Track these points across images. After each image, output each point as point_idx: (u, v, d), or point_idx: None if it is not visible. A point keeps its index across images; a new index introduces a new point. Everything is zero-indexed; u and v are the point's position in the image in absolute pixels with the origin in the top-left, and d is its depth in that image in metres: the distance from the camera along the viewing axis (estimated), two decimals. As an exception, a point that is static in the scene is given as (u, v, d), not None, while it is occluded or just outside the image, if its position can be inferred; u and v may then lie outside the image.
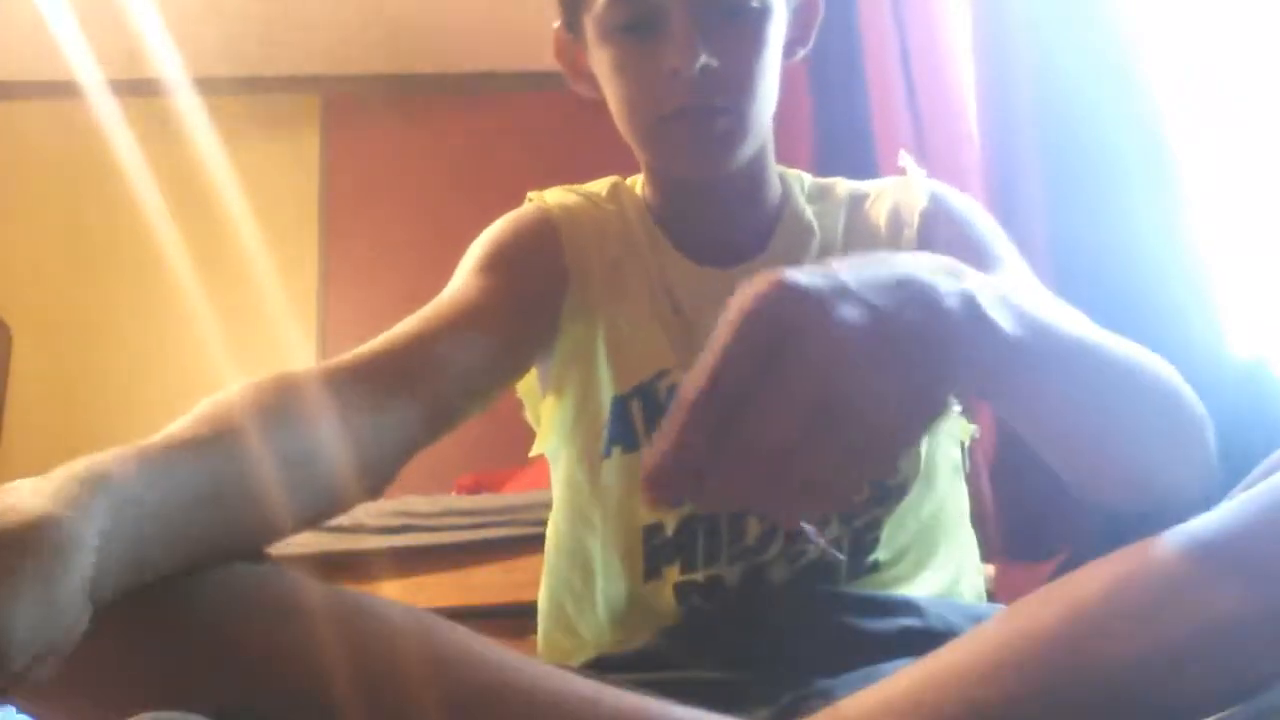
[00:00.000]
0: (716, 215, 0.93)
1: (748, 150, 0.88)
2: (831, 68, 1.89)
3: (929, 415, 0.47)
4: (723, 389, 0.43)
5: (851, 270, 0.47)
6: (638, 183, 1.00)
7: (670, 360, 0.88)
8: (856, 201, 0.97)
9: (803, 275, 0.45)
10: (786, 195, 0.97)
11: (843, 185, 0.99)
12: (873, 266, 0.48)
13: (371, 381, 0.73)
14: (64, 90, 2.64)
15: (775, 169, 0.97)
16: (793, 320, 0.44)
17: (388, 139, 3.10)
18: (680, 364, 0.88)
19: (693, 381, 0.44)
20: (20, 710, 0.54)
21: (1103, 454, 0.63)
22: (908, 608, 0.76)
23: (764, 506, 0.46)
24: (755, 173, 0.93)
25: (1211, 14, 1.31)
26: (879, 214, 0.94)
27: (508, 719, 0.52)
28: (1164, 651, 0.47)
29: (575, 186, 1.00)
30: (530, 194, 0.99)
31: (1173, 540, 0.50)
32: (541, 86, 2.81)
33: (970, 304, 0.49)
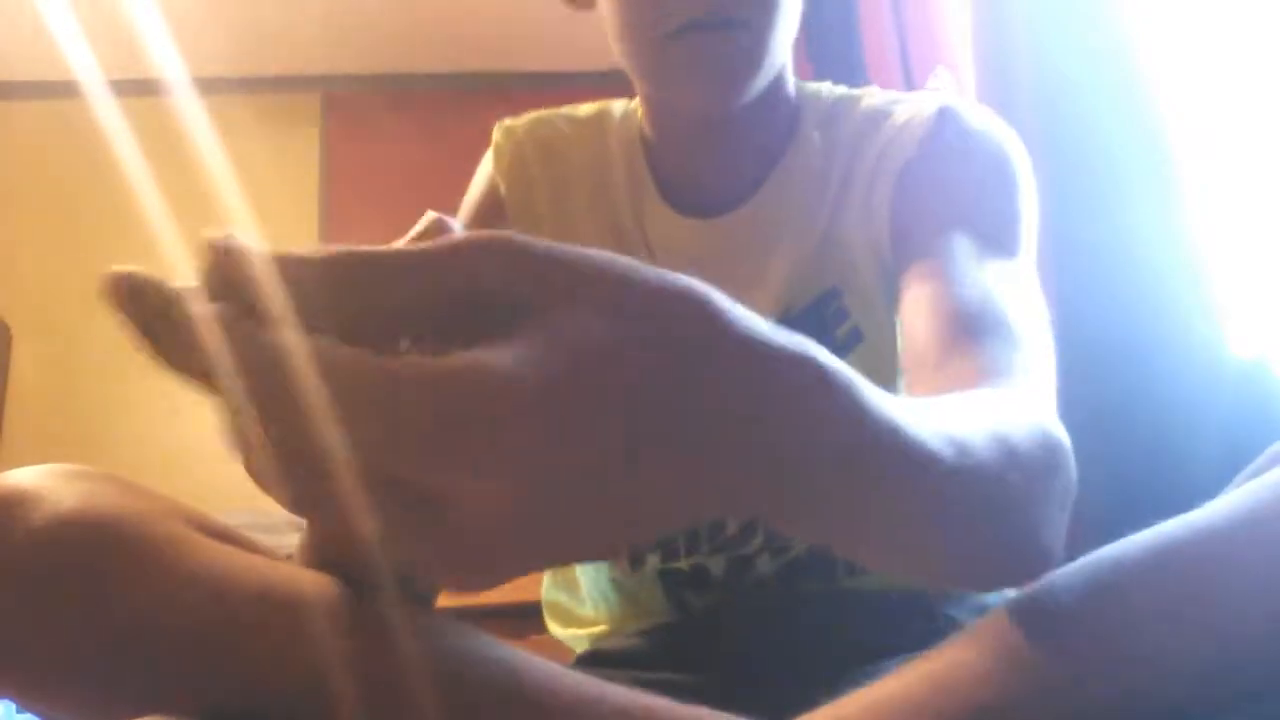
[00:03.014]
0: (715, 155, 0.83)
1: (763, 79, 0.77)
2: (831, 67, 1.89)
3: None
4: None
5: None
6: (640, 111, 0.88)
7: None
8: (871, 123, 0.83)
9: None
10: (795, 128, 0.85)
11: (867, 100, 0.86)
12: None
13: None
14: (64, 90, 2.65)
15: (789, 97, 0.85)
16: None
17: (388, 139, 3.09)
18: None
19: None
20: (20, 709, 0.54)
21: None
22: (910, 603, 0.76)
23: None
24: (765, 107, 0.81)
25: (1212, 14, 1.31)
26: (883, 143, 0.81)
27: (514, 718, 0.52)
28: (1173, 650, 0.47)
29: (556, 111, 0.91)
30: (499, 124, 0.90)
31: (1177, 532, 0.50)
32: (542, 87, 2.80)
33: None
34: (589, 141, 0.89)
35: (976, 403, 0.52)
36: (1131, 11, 1.25)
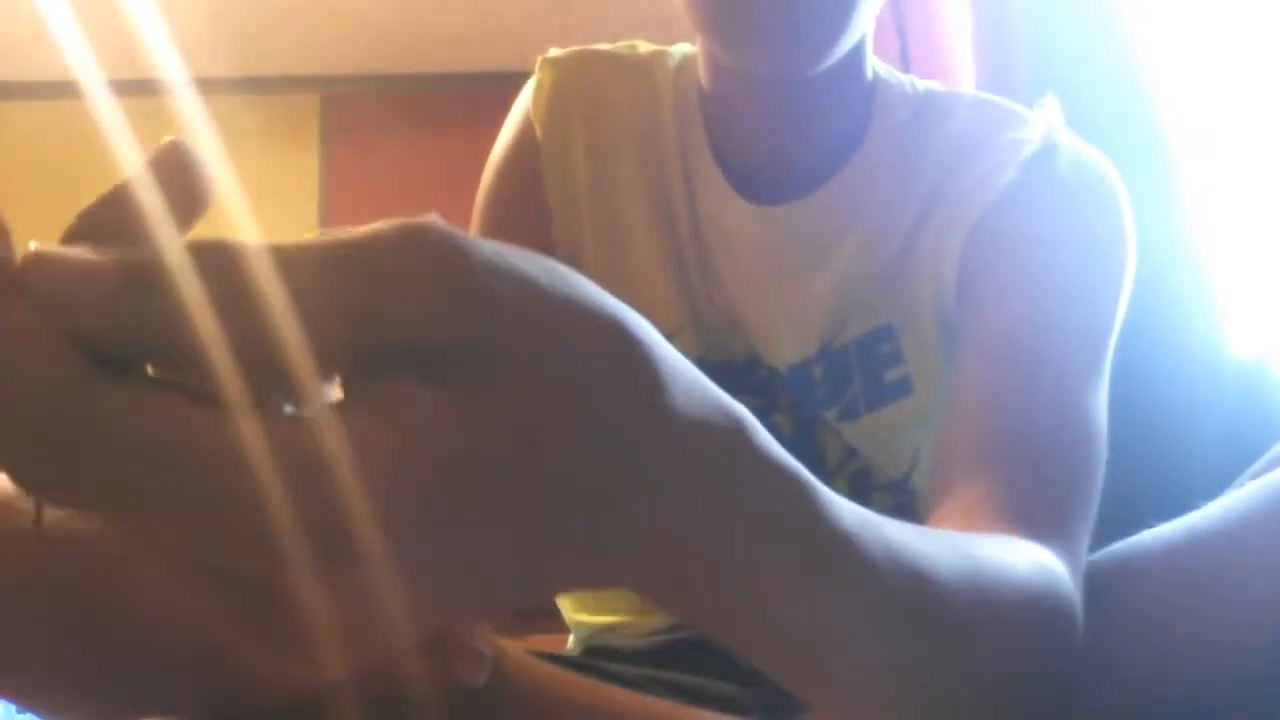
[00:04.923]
0: (785, 132, 0.73)
1: (845, 45, 0.66)
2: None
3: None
4: None
5: None
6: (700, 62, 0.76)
7: (678, 318, 0.74)
8: (968, 150, 0.72)
9: None
10: (871, 117, 0.74)
11: (964, 116, 0.74)
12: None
13: None
14: (64, 90, 2.65)
15: (866, 78, 0.74)
16: None
17: (388, 139, 3.09)
18: (693, 325, 0.74)
19: None
20: (20, 710, 0.54)
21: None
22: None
23: None
24: (843, 82, 0.71)
25: (1212, 14, 1.31)
26: (974, 181, 0.70)
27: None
28: (1173, 652, 0.47)
29: (604, 49, 0.79)
30: (541, 58, 0.79)
31: (1178, 536, 0.50)
32: (541, 86, 2.81)
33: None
34: (637, 92, 0.78)
35: (971, 540, 0.43)
36: (1131, 11, 1.25)
